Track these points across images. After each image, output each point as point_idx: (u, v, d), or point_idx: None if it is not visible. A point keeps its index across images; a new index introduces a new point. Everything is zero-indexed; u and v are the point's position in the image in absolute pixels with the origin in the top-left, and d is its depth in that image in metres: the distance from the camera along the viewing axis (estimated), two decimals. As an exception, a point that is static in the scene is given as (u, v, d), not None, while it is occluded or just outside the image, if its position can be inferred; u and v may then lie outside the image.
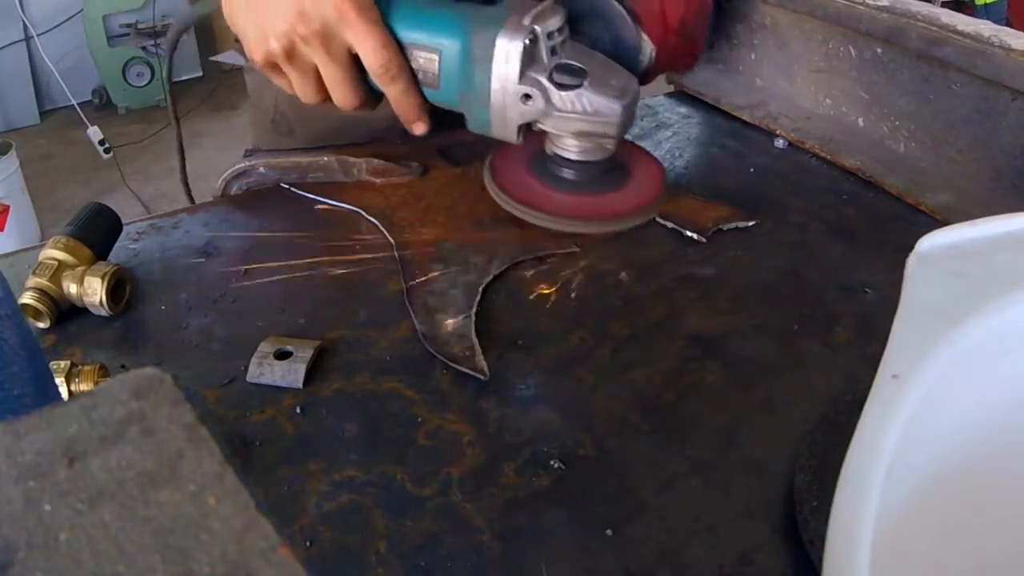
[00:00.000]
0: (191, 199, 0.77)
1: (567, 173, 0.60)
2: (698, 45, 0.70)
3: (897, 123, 0.75)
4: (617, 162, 0.62)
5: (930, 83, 0.71)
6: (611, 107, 0.53)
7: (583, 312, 0.58)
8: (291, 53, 0.53)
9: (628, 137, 0.74)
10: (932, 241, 0.37)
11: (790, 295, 0.60)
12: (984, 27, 0.66)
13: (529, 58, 0.52)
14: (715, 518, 0.43)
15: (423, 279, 0.59)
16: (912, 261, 0.37)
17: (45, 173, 2.78)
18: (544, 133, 0.58)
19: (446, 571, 0.40)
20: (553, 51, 0.54)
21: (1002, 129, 0.67)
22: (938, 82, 0.70)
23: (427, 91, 0.56)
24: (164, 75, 0.70)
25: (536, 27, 0.52)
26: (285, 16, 0.51)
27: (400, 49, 0.54)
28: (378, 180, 0.71)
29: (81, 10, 3.12)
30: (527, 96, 0.53)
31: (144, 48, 3.23)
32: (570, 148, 0.58)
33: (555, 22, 0.54)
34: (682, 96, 0.90)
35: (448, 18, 0.54)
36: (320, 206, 0.68)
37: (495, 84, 0.53)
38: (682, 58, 0.69)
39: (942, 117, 0.71)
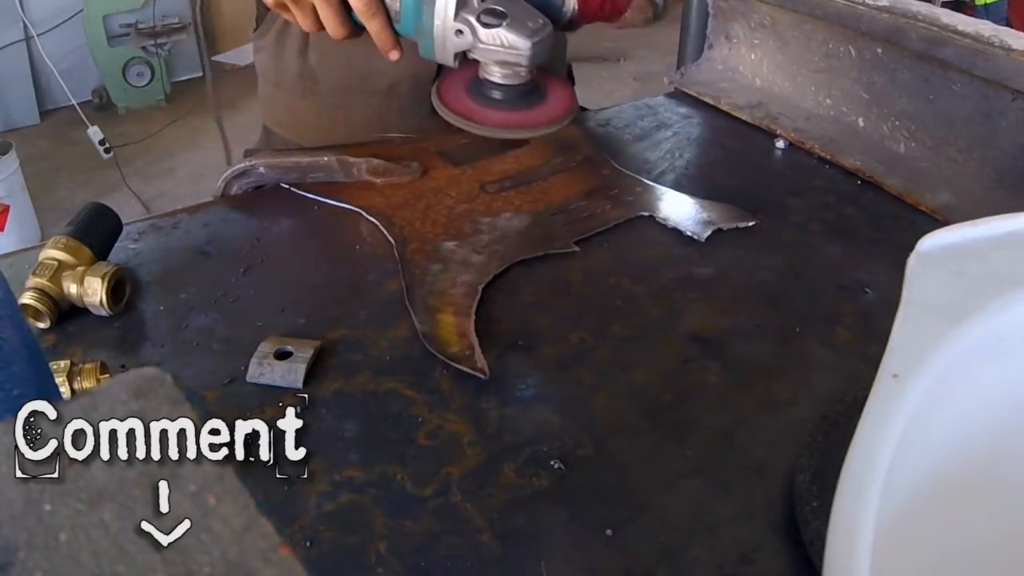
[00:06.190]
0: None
1: (495, 94, 0.75)
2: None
3: (897, 123, 0.75)
4: (536, 86, 0.76)
5: (930, 83, 0.71)
6: (523, 43, 0.68)
7: (583, 312, 0.58)
8: None
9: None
10: (932, 241, 0.37)
11: (790, 295, 0.60)
12: (984, 27, 0.66)
13: (462, 2, 0.67)
14: (715, 518, 0.43)
15: (423, 279, 0.59)
16: (912, 261, 0.37)
17: (45, 173, 2.78)
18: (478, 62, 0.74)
19: (446, 571, 0.40)
20: None
21: (1002, 129, 0.67)
22: (938, 82, 0.70)
23: (394, 25, 0.71)
24: (204, 56, 0.74)
25: None
26: None
27: None
28: (378, 180, 0.71)
29: (81, 10, 3.11)
30: (459, 31, 0.68)
31: (144, 48, 3.22)
32: (495, 74, 0.72)
33: None
34: (682, 96, 0.90)
35: None
36: (320, 206, 0.68)
37: (436, 21, 0.68)
38: (608, 10, 0.81)
39: (942, 117, 0.71)
